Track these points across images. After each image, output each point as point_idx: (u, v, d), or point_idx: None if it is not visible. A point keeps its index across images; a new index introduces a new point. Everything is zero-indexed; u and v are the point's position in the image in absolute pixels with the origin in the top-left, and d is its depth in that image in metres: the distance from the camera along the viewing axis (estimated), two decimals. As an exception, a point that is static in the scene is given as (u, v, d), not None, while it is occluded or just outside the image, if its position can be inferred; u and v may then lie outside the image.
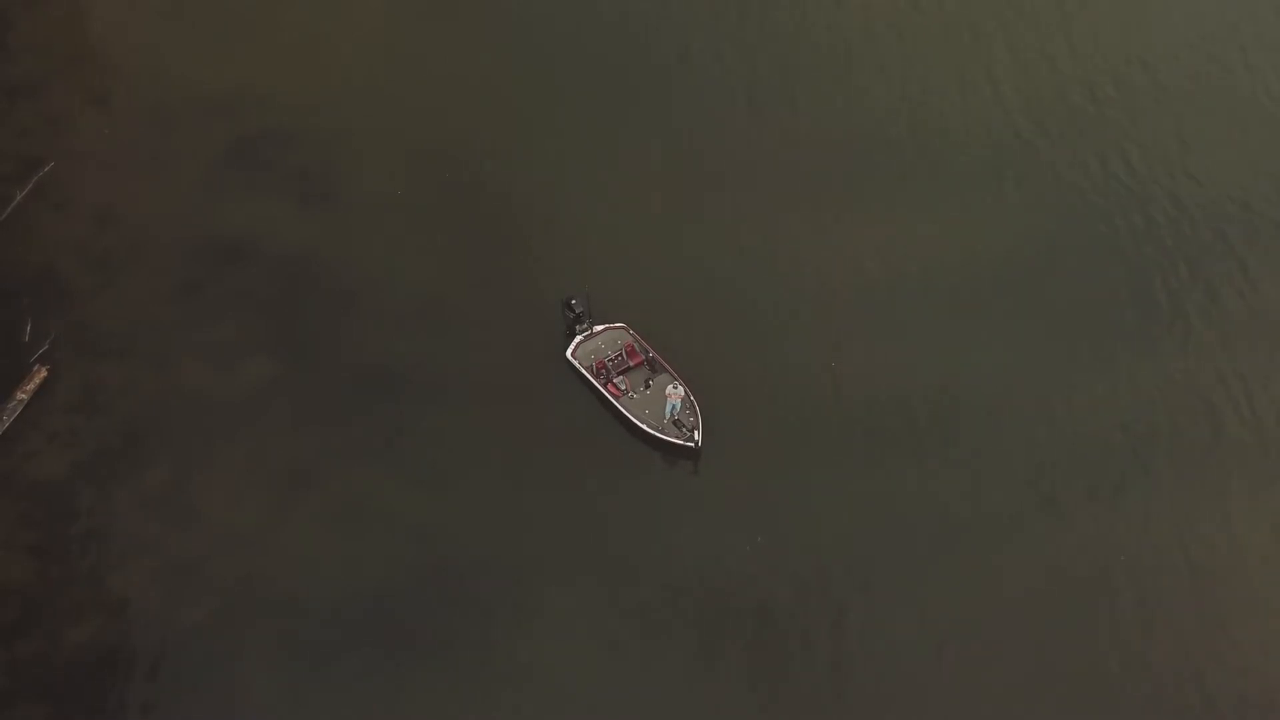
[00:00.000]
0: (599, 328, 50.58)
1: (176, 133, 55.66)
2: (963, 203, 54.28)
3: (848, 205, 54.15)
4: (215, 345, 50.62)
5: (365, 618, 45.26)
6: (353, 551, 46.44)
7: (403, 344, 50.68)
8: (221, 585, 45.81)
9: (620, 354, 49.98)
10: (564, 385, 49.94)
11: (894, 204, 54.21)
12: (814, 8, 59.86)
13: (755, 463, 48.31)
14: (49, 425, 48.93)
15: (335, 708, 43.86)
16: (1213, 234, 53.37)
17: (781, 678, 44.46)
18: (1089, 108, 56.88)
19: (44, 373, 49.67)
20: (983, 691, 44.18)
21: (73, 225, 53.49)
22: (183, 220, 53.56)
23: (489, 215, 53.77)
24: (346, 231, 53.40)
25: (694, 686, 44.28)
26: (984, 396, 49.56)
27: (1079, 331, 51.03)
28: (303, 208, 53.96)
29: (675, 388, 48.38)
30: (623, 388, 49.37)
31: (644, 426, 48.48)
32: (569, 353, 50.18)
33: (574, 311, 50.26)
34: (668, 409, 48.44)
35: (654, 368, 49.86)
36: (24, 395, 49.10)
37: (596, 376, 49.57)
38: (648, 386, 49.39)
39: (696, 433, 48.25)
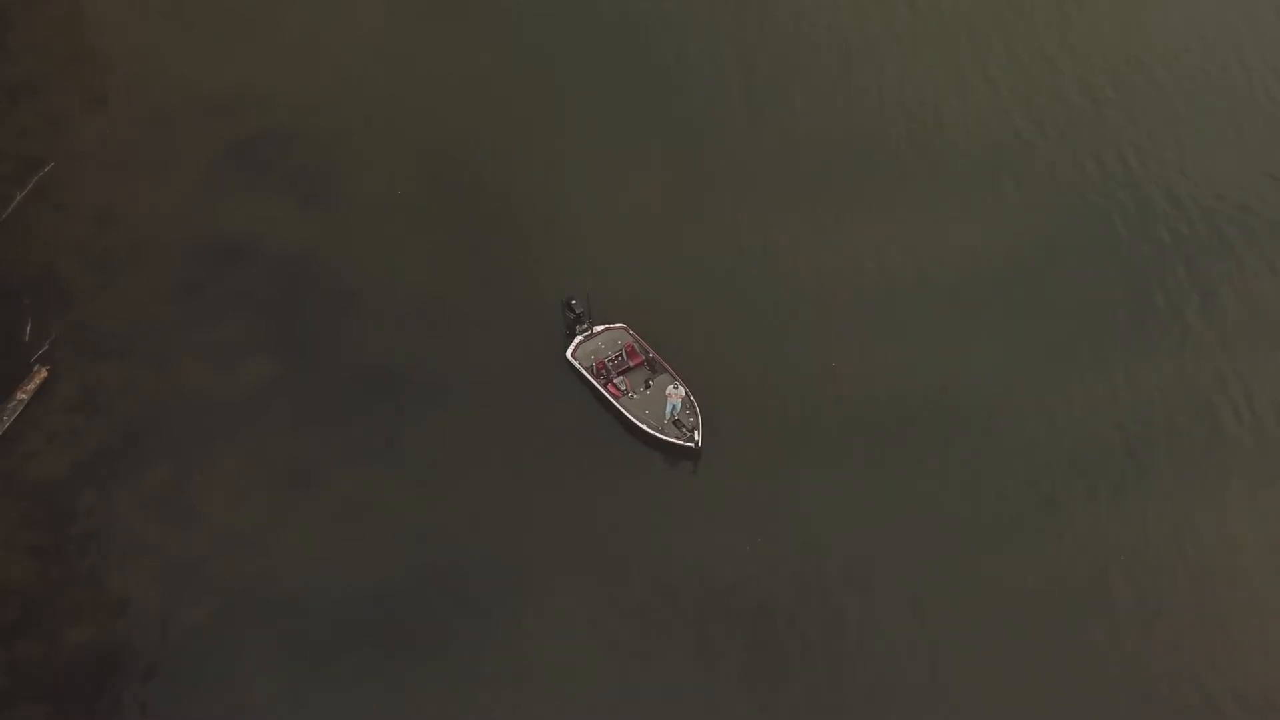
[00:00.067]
0: (599, 328, 50.59)
1: (176, 133, 55.66)
2: (962, 203, 54.29)
3: (847, 205, 54.17)
4: (215, 345, 50.62)
5: (365, 618, 45.27)
6: (353, 551, 46.46)
7: (403, 344, 50.68)
8: (221, 585, 45.81)
9: (620, 354, 49.98)
10: (564, 385, 49.95)
11: (893, 204, 54.21)
12: (813, 8, 59.86)
13: (755, 463, 48.31)
14: (49, 425, 48.93)
15: (335, 708, 43.86)
16: (1211, 234, 53.39)
17: (781, 678, 44.46)
18: (1087, 108, 56.90)
19: (44, 373, 49.66)
20: (982, 691, 44.19)
21: (73, 225, 53.49)
22: (183, 220, 53.57)
23: (489, 215, 53.77)
24: (346, 231, 53.41)
25: (693, 686, 44.30)
26: (983, 396, 49.58)
27: (1078, 332, 51.04)
28: (303, 208, 53.96)
29: (675, 388, 48.39)
30: (623, 388, 49.37)
31: (644, 427, 48.49)
32: (569, 353, 50.18)
33: (574, 312, 50.26)
34: (668, 409, 48.46)
35: (654, 368, 49.86)
36: (24, 395, 49.10)
37: (596, 377, 49.57)
38: (648, 387, 49.40)
39: (696, 433, 48.26)
